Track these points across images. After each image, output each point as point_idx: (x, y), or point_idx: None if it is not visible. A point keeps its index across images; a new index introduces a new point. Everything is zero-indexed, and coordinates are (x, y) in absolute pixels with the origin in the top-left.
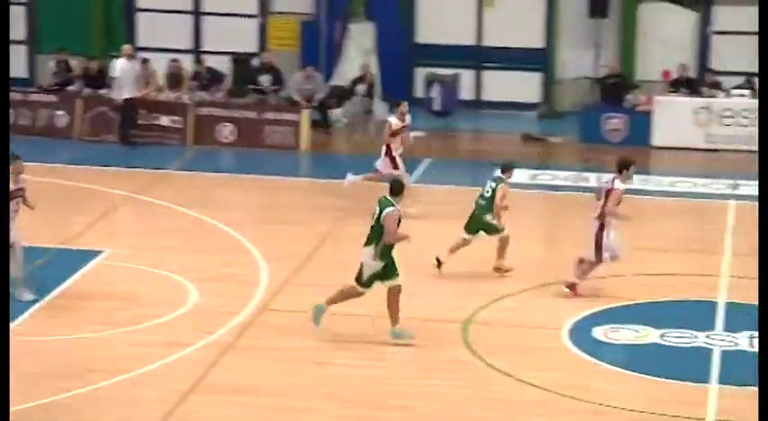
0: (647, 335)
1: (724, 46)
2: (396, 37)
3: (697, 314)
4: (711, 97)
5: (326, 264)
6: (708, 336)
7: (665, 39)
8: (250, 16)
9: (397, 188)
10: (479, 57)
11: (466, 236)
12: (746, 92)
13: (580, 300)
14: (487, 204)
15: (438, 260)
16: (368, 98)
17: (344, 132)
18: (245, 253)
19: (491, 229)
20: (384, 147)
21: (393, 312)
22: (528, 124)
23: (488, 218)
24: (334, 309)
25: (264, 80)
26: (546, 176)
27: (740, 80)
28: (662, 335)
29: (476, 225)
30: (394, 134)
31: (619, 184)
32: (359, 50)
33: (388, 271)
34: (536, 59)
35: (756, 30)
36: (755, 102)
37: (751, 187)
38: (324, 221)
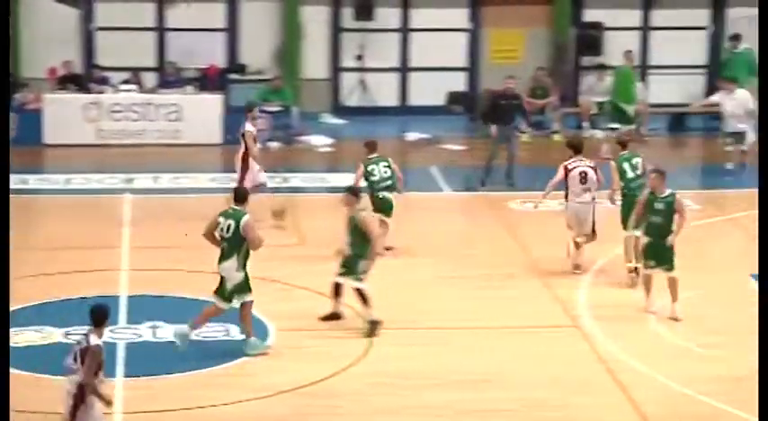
0: (51, 334)
1: (108, 41)
2: None
3: None
4: (100, 93)
5: None
6: (112, 331)
7: (49, 36)
8: None
9: (241, 196)
10: None
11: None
12: (134, 86)
13: None
14: (393, 183)
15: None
16: None
17: None
18: None
19: (390, 211)
20: (241, 159)
21: (247, 325)
22: None
23: (393, 197)
24: None
25: None
26: None
27: (126, 75)
28: (65, 334)
29: (384, 205)
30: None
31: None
32: None
33: (246, 284)
34: None
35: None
36: (143, 96)
37: (144, 180)
38: None
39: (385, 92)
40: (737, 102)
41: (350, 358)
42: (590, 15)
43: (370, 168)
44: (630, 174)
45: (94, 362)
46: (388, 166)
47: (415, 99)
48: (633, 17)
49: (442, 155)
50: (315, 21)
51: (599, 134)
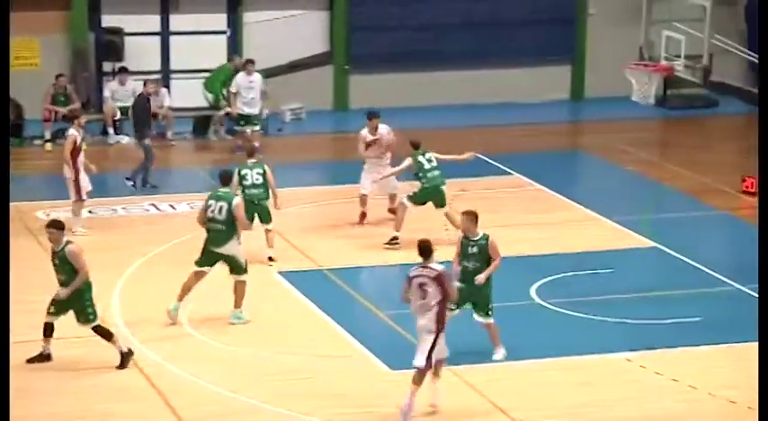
0: None
1: None
2: None
3: None
4: None
5: None
6: None
7: None
8: None
9: (226, 178)
10: None
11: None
12: None
13: None
14: (265, 190)
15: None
16: None
17: None
18: None
19: (268, 218)
20: (71, 165)
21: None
22: None
23: (269, 204)
24: None
25: None
26: None
27: None
28: None
29: (258, 211)
30: (77, 150)
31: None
32: None
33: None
34: None
35: None
36: None
37: None
38: None
39: None
40: (254, 83)
41: None
42: (109, 20)
43: (243, 172)
44: (428, 166)
45: (449, 281)
46: (262, 174)
47: None
48: (153, 22)
49: None
50: None
51: (124, 140)
